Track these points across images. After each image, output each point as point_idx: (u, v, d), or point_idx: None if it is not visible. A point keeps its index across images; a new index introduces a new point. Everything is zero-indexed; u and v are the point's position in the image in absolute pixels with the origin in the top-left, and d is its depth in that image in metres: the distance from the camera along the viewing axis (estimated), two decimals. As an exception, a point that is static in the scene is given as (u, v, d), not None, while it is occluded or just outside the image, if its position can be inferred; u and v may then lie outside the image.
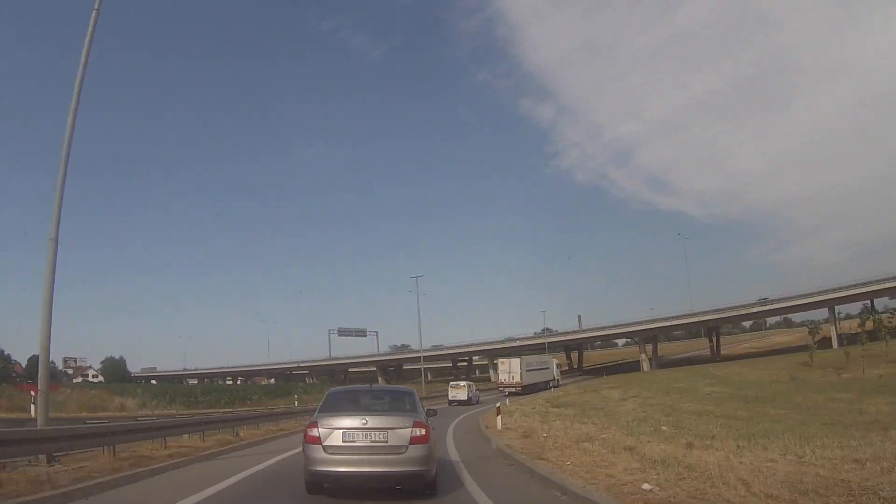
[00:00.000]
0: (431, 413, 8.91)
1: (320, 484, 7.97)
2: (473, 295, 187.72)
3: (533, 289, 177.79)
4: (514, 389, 57.15)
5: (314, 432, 7.75)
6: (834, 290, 75.08)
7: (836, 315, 79.27)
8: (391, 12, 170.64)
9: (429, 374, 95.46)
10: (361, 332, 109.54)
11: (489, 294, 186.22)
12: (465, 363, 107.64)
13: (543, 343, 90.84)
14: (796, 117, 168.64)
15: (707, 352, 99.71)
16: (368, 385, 9.88)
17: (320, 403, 8.55)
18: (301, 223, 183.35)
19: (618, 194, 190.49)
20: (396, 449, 7.60)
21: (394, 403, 8.76)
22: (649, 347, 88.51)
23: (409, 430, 7.72)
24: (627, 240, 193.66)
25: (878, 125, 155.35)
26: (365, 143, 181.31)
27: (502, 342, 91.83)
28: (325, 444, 7.64)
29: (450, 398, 50.02)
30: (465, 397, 49.08)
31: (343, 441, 7.64)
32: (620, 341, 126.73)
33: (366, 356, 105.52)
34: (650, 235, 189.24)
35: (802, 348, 66.90)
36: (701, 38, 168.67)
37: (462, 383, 54.08)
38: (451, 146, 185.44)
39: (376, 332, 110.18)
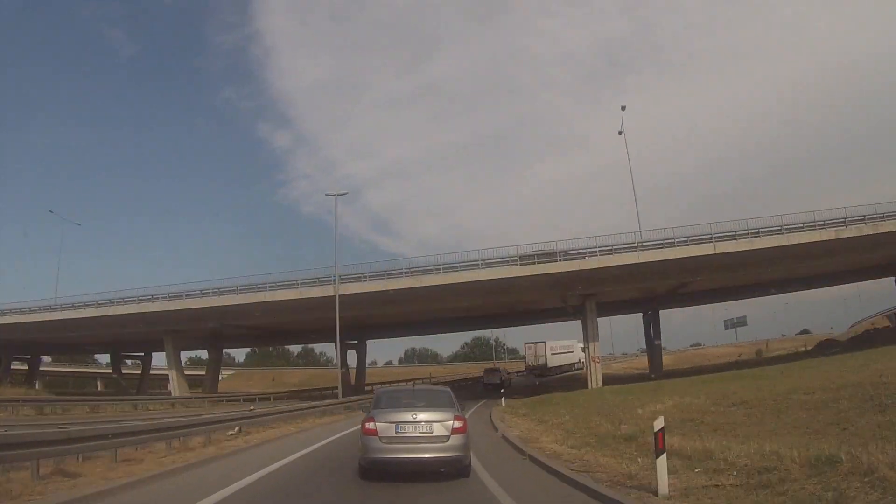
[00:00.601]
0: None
1: (377, 469, 9.35)
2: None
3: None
4: (538, 372, 61.25)
5: (371, 426, 9.31)
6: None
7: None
8: (151, 13, 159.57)
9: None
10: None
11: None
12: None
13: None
14: (528, 180, 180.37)
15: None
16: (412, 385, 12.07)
17: (373, 401, 10.33)
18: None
19: (342, 231, 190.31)
20: (440, 438, 9.22)
21: (435, 400, 10.17)
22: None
23: (451, 422, 9.31)
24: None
25: (603, 194, 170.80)
26: (103, 127, 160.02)
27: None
28: (380, 436, 9.21)
29: (485, 381, 54.08)
30: (498, 381, 52.00)
31: (396, 433, 9.22)
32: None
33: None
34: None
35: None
36: (449, 92, 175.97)
37: (496, 368, 59.86)
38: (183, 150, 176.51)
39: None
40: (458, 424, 9.37)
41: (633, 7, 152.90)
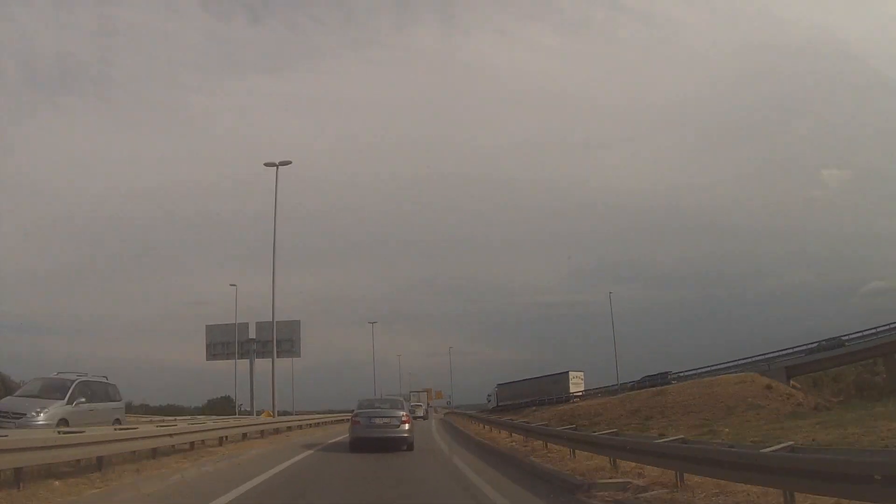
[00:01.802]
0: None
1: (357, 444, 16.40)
2: None
3: None
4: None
5: (357, 418, 16.76)
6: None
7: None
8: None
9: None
10: None
11: None
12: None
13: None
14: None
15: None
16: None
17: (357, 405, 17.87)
18: None
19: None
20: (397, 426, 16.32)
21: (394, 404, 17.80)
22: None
23: (402, 414, 16.72)
24: None
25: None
26: None
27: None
28: (362, 423, 16.46)
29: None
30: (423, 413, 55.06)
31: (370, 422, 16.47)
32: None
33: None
34: None
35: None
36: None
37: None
38: None
39: None
40: (406, 417, 16.80)
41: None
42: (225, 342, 46.70)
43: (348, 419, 31.75)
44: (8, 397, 15.56)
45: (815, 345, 46.23)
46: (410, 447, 16.43)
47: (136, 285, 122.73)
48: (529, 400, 63.57)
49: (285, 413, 43.04)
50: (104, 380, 16.38)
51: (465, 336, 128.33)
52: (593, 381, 65.40)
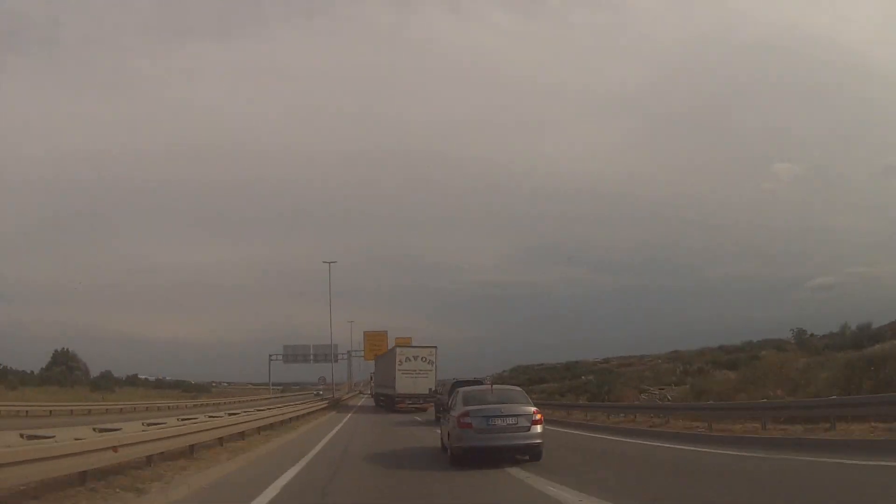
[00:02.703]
0: None
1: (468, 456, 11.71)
2: None
3: None
4: None
5: (467, 419, 11.72)
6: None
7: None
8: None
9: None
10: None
11: None
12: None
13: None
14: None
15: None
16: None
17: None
18: None
19: None
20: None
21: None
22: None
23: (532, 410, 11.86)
24: None
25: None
26: None
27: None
28: (475, 427, 11.59)
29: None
30: None
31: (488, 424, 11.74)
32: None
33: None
34: None
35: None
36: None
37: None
38: None
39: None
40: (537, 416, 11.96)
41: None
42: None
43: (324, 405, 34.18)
44: None
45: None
46: (538, 456, 11.63)
47: (82, 252, 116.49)
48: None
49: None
50: None
51: (405, 312, 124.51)
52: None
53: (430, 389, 37.79)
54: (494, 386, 13.96)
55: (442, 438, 13.75)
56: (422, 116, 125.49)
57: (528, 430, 11.36)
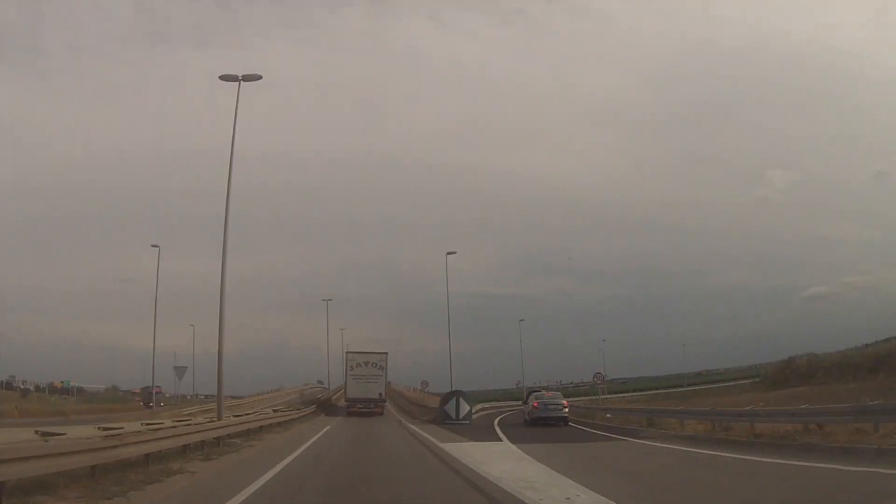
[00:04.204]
0: None
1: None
2: None
3: None
4: None
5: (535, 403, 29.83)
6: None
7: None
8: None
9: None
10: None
11: None
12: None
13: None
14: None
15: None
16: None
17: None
18: None
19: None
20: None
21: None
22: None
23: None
24: None
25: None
26: None
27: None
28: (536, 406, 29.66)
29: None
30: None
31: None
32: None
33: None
34: None
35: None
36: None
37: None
38: None
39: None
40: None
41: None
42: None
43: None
44: None
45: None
46: (566, 422, 28.83)
47: (62, 259, 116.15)
48: None
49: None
50: None
51: (388, 322, 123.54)
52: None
53: (379, 394, 39.83)
54: (548, 391, 34.97)
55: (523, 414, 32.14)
56: (405, 125, 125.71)
57: (562, 410, 29.12)
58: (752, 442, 16.05)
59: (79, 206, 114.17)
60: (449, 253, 41.89)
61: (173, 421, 18.52)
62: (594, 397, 48.00)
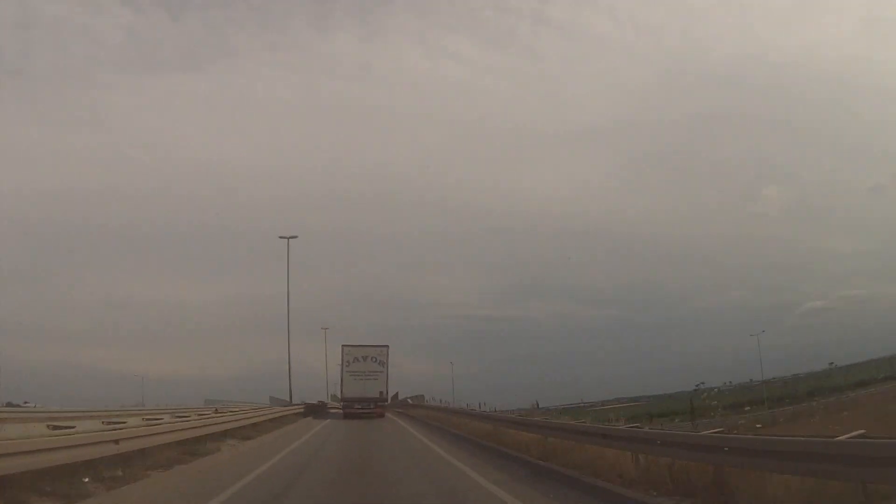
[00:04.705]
0: None
1: None
2: None
3: None
4: None
5: None
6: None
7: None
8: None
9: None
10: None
11: None
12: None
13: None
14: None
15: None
16: None
17: None
18: None
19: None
20: None
21: None
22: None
23: None
24: None
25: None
26: None
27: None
28: None
29: None
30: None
31: None
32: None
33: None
34: None
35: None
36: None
37: None
38: None
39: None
40: None
41: None
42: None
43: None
44: None
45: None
46: None
47: (51, 288, 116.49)
48: None
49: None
50: None
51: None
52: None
53: (380, 393, 34.88)
54: None
55: None
56: (397, 150, 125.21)
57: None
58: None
59: (64, 236, 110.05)
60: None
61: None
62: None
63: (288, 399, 42.24)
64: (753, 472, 7.67)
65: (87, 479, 9.71)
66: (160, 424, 14.88)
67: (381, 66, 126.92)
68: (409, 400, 46.15)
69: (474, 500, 9.53)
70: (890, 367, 40.67)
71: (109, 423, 14.42)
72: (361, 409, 34.00)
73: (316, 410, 42.47)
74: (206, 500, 9.31)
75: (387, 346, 36.74)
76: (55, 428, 11.85)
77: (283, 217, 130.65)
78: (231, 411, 24.38)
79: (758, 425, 17.99)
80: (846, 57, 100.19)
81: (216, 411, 23.32)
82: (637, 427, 11.59)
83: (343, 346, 37.51)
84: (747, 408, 29.95)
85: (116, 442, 11.09)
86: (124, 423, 14.69)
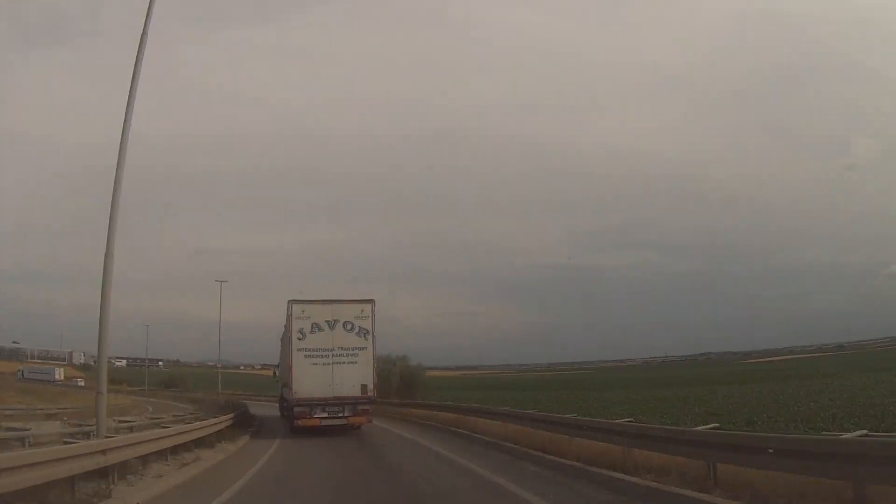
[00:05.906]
0: None
1: None
2: None
3: None
4: None
5: None
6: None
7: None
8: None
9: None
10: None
11: None
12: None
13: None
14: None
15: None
16: None
17: None
18: None
19: None
20: None
21: None
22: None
23: None
24: None
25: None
26: None
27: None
28: None
29: None
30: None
31: None
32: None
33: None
34: None
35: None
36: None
37: None
38: None
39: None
40: None
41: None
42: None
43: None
44: None
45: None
46: None
47: (137, 237, 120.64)
48: None
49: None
50: None
51: (462, 296, 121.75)
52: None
53: (363, 386, 18.97)
54: None
55: None
56: (470, 99, 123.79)
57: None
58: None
59: (146, 185, 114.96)
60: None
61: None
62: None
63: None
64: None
65: None
66: None
67: (456, 13, 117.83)
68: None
69: None
70: None
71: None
72: (328, 418, 18.97)
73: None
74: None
75: (371, 302, 19.97)
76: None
77: (357, 166, 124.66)
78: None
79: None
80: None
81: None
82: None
83: (291, 301, 19.77)
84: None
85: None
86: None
